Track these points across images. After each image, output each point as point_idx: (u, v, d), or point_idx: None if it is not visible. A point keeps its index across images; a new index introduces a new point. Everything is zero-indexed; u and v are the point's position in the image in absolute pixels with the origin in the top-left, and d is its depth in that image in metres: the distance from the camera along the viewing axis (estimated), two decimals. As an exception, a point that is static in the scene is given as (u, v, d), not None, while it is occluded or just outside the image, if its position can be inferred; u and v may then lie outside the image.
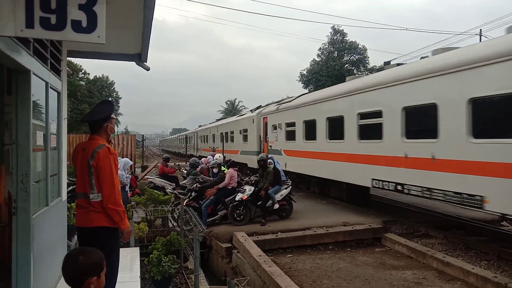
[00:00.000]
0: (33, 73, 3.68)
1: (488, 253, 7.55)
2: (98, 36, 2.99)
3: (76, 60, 41.05)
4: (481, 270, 6.57)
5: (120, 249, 6.68)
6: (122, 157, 13.39)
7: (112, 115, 3.78)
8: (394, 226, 9.60)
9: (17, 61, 3.28)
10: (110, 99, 57.86)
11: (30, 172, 3.60)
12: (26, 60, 3.51)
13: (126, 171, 10.56)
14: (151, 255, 6.21)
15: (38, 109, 4.10)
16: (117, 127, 70.05)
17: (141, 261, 6.31)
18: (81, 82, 45.38)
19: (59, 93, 4.93)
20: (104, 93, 57.27)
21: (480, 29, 25.12)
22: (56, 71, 4.79)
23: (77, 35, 2.94)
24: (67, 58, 7.17)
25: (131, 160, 18.99)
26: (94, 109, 3.88)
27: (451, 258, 7.24)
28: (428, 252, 7.57)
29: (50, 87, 4.41)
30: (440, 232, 8.97)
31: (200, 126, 40.81)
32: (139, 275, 5.55)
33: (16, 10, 2.78)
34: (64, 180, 5.32)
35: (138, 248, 6.81)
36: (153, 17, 4.54)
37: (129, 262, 6.18)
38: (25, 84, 3.55)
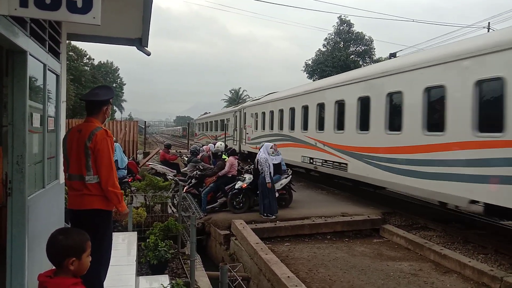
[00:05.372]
0: (30, 54, 3.64)
1: (486, 247, 7.53)
2: (94, 17, 2.95)
3: (80, 45, 40.97)
4: (478, 263, 6.57)
5: (118, 233, 6.80)
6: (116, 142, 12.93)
7: (110, 101, 3.76)
8: (393, 218, 9.61)
9: (13, 42, 3.24)
10: (114, 85, 57.90)
11: (26, 154, 3.58)
12: (23, 40, 3.47)
13: (270, 154, 9.51)
14: (148, 240, 6.25)
15: (35, 91, 4.08)
16: (121, 113, 70.09)
17: (139, 246, 6.35)
18: (86, 68, 45.33)
19: (57, 76, 4.90)
20: (108, 79, 57.35)
21: (489, 22, 24.76)
22: (55, 54, 4.75)
23: (72, 15, 2.90)
24: (68, 41, 7.14)
25: (132, 146, 19.08)
26: (93, 90, 3.78)
27: (448, 250, 7.24)
28: (425, 244, 7.58)
29: (48, 69, 4.37)
30: (439, 224, 8.95)
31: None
32: (135, 259, 5.59)
33: (10, -12, 2.74)
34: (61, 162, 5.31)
35: (135, 232, 6.86)
36: (152, 0, 4.50)
37: (127, 246, 6.24)
38: (21, 65, 3.52)
